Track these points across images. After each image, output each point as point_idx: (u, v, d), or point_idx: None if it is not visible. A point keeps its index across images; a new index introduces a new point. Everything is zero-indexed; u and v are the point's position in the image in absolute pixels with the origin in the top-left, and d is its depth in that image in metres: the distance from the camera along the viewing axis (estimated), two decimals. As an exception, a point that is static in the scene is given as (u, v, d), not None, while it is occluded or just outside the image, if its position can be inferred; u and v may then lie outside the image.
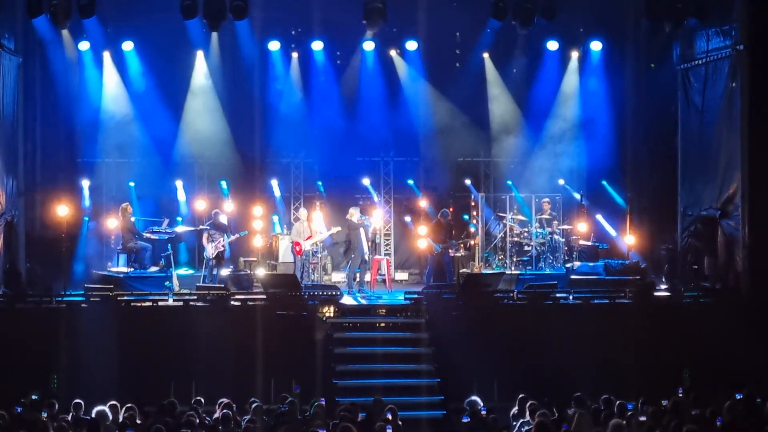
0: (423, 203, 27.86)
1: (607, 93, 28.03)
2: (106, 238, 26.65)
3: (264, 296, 22.24)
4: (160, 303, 21.87)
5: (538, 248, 26.37)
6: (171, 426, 14.69)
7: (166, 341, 20.51)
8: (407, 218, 28.51)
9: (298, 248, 24.60)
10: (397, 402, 16.78)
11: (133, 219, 25.21)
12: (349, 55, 28.04)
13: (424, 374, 20.69)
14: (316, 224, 25.55)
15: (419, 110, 28.39)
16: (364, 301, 23.33)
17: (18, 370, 19.69)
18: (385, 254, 27.98)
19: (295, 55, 27.90)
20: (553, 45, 27.65)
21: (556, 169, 28.12)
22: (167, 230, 25.39)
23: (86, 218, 26.58)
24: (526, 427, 14.83)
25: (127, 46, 26.70)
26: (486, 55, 28.04)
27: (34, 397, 16.76)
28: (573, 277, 24.43)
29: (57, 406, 16.17)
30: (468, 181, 28.55)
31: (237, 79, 27.49)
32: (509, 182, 28.08)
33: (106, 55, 26.76)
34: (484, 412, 15.92)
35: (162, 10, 24.76)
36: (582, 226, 26.61)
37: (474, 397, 16.58)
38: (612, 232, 27.48)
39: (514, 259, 26.48)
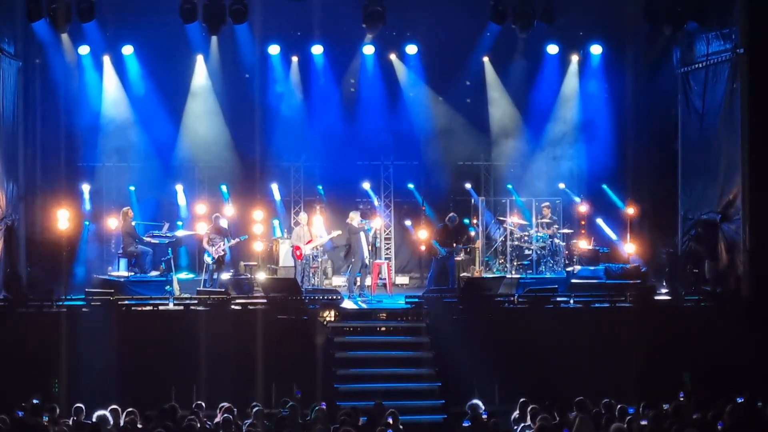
0: (425, 210, 27.82)
1: (607, 97, 28.09)
2: (107, 242, 26.65)
3: (264, 300, 22.22)
4: (160, 307, 21.87)
5: (539, 252, 26.37)
6: (172, 430, 14.69)
7: (166, 345, 20.50)
8: (407, 222, 28.50)
9: (298, 252, 24.59)
10: (398, 406, 16.79)
11: (133, 223, 25.20)
12: (349, 59, 28.03)
13: (425, 378, 20.69)
14: (316, 228, 25.54)
15: (419, 114, 28.42)
16: (364, 305, 23.31)
17: (19, 375, 19.68)
18: (386, 258, 27.96)
19: (294, 58, 27.90)
20: (553, 48, 27.66)
21: (557, 173, 28.14)
22: (168, 234, 25.39)
23: (87, 222, 26.57)
24: (528, 432, 14.86)
25: (127, 50, 26.71)
26: (486, 59, 28.03)
27: (35, 401, 16.75)
28: (573, 280, 24.41)
29: (58, 410, 16.19)
30: (468, 185, 28.54)
31: (237, 82, 27.51)
32: (509, 186, 28.07)
33: (106, 59, 26.76)
34: (485, 416, 15.90)
35: (161, 13, 24.71)
36: (582, 231, 26.65)
37: (475, 401, 16.55)
38: (612, 235, 27.48)
39: (515, 263, 26.49)
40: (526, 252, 26.59)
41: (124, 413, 15.58)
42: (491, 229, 27.76)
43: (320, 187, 28.25)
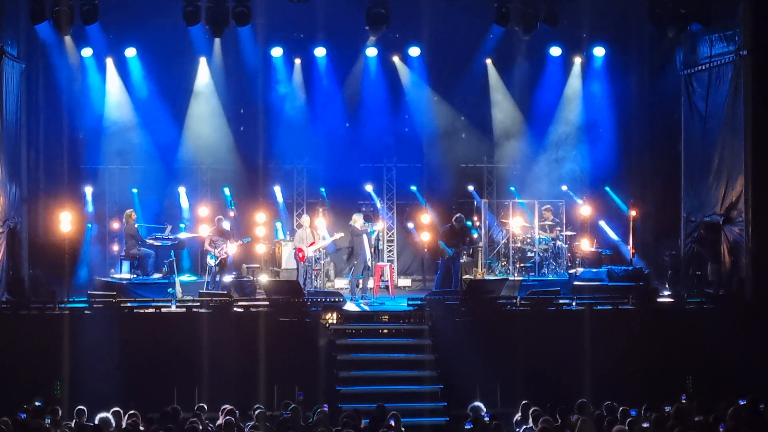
0: (428, 214, 27.78)
1: (610, 99, 28.02)
2: (109, 244, 26.65)
3: (267, 303, 22.23)
4: (163, 309, 21.87)
5: (541, 254, 26.35)
6: (174, 432, 14.72)
7: (169, 348, 20.53)
8: (410, 225, 28.50)
9: (301, 255, 24.60)
10: (400, 408, 16.82)
11: (136, 225, 25.21)
12: (352, 61, 28.04)
13: (427, 381, 20.67)
14: (318, 230, 25.54)
15: (422, 116, 28.43)
16: (366, 308, 23.32)
17: (21, 377, 19.75)
18: (388, 260, 27.96)
19: (297, 61, 27.89)
20: (556, 51, 27.62)
21: (559, 175, 28.09)
22: (170, 237, 25.40)
23: (89, 225, 26.58)
24: (529, 434, 14.86)
25: (130, 52, 26.70)
26: (489, 61, 28.03)
27: (37, 403, 16.84)
28: (576, 283, 24.38)
29: (60, 412, 16.24)
30: (471, 187, 28.50)
31: (240, 85, 27.53)
32: (512, 188, 28.05)
33: (109, 62, 26.77)
34: (487, 419, 15.90)
35: (164, 16, 24.76)
36: (584, 233, 26.64)
37: (477, 403, 16.55)
38: (615, 237, 27.46)
39: (517, 265, 26.46)
40: (529, 254, 26.58)
41: (126, 415, 15.62)
42: (494, 231, 27.73)
43: (323, 190, 28.21)
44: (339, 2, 25.14)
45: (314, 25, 26.29)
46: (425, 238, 26.24)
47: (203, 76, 27.42)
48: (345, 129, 28.09)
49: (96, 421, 15.03)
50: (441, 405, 20.20)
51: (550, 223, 26.72)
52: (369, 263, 24.53)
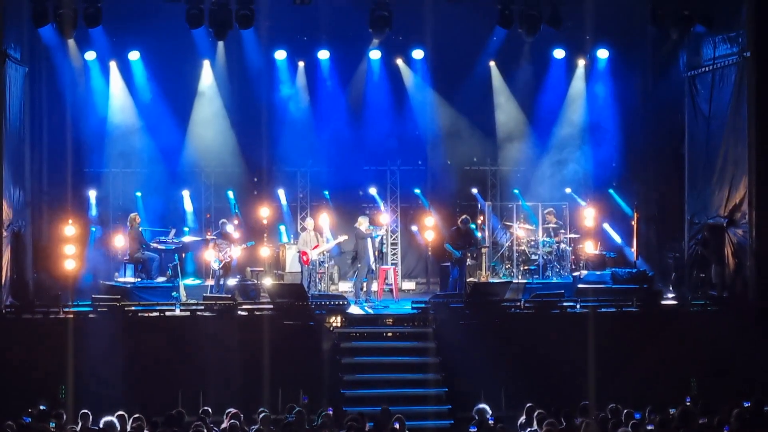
0: (432, 216, 27.76)
1: (613, 101, 27.99)
2: (113, 248, 26.64)
3: (271, 306, 22.25)
4: (167, 313, 21.84)
5: (545, 257, 26.34)
6: (178, 436, 14.73)
7: (173, 351, 20.55)
8: (414, 227, 28.48)
9: (305, 258, 24.60)
10: (404, 411, 16.79)
11: (141, 229, 25.22)
12: (355, 64, 28.03)
13: (432, 384, 20.66)
14: (322, 233, 25.55)
15: (425, 118, 28.37)
16: (371, 311, 23.31)
17: (26, 381, 19.72)
18: (392, 263, 27.95)
19: (301, 63, 27.86)
20: (559, 53, 27.58)
21: (563, 177, 28.05)
22: (174, 240, 25.40)
23: (93, 228, 26.58)
24: (534, 437, 14.84)
25: (134, 55, 26.68)
26: (492, 63, 28.01)
27: (42, 407, 16.79)
28: (580, 285, 24.37)
29: (65, 416, 16.21)
30: (474, 190, 28.49)
31: (243, 88, 27.48)
32: (516, 191, 28.03)
33: (113, 65, 26.73)
34: (491, 422, 15.88)
35: (168, 19, 24.72)
36: (588, 235, 26.64)
37: (482, 406, 16.51)
38: (619, 240, 27.45)
39: (521, 268, 26.46)
40: (533, 257, 26.57)
41: (131, 419, 15.58)
42: (497, 234, 27.72)
43: (326, 193, 28.22)
44: (342, 5, 25.13)
45: (317, 28, 26.32)
46: (429, 237, 26.18)
47: (206, 79, 27.39)
48: (348, 132, 28.03)
49: (101, 425, 15.05)
50: (445, 408, 20.20)
51: (554, 225, 26.70)
52: (373, 266, 24.55)
